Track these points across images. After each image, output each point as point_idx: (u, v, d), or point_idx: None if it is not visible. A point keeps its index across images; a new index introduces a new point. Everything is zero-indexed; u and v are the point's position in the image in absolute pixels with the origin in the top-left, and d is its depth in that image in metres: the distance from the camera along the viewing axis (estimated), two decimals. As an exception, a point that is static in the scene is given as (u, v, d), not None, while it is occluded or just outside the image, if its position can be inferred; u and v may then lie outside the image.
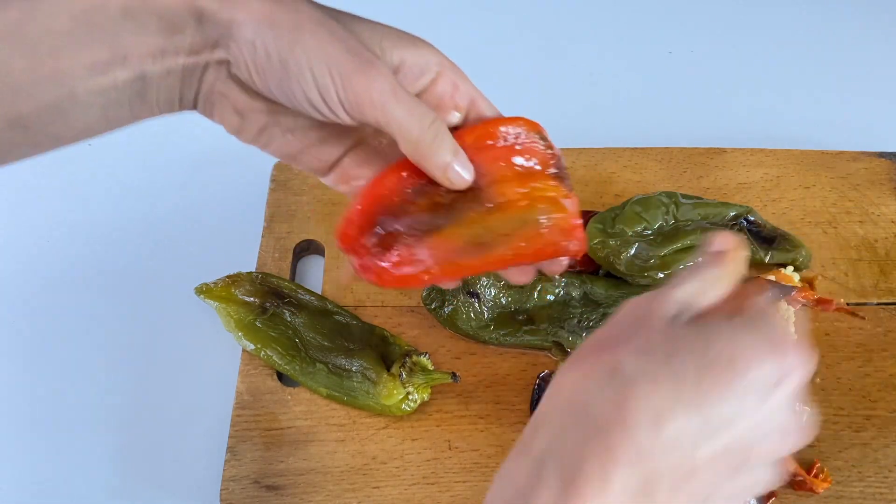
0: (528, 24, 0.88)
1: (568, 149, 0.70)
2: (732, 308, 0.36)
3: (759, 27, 0.87)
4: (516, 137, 0.44)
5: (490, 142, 0.43)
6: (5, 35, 0.35)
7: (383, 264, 0.42)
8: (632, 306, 0.36)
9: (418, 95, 0.41)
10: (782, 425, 0.34)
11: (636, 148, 0.70)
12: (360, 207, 0.43)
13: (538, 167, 0.44)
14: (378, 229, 0.43)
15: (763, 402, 0.33)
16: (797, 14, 0.88)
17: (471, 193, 0.42)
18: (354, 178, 0.44)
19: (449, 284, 0.46)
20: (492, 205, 0.42)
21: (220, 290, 0.60)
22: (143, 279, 0.66)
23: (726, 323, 0.34)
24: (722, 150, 0.70)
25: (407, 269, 0.42)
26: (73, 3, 0.36)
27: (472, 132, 0.43)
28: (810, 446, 0.54)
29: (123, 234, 0.69)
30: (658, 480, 0.31)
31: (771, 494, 0.52)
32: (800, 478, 0.52)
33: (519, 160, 0.43)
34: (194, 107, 0.41)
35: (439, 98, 0.42)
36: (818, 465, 0.53)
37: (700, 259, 0.37)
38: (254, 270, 0.62)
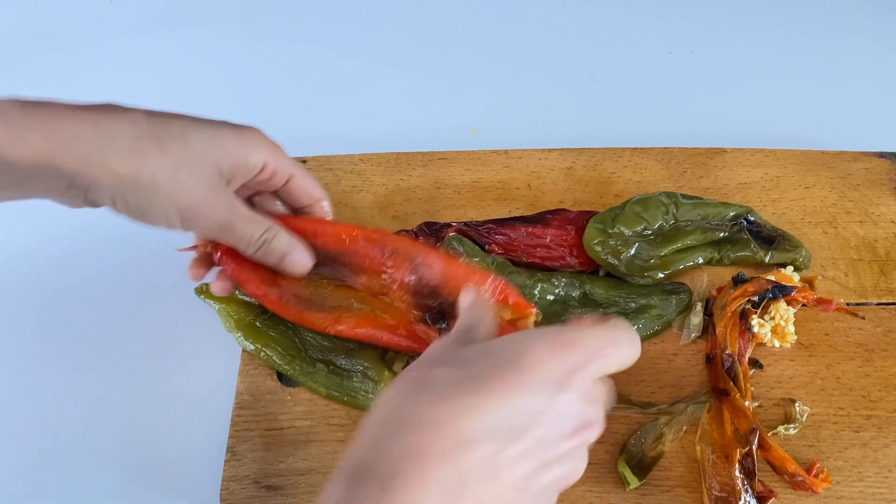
0: (528, 23, 0.88)
1: (568, 149, 0.70)
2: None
3: (759, 27, 0.87)
4: (390, 254, 0.56)
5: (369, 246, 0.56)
6: None
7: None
8: (435, 344, 0.43)
9: (248, 183, 0.53)
10: (580, 418, 0.38)
11: (636, 148, 0.70)
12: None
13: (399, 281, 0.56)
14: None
15: (554, 396, 0.37)
16: (797, 14, 0.88)
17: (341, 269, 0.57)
18: None
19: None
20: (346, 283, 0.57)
21: None
22: (143, 279, 0.66)
23: (517, 333, 0.40)
24: (722, 150, 0.70)
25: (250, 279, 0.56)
26: None
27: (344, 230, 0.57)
28: (810, 446, 0.54)
29: (123, 233, 0.68)
30: (470, 475, 0.34)
31: (771, 494, 0.52)
32: (800, 478, 0.52)
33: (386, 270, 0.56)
34: None
35: (259, 184, 0.53)
36: (818, 465, 0.53)
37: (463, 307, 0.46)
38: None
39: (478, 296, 0.46)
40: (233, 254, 0.58)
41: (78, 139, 0.42)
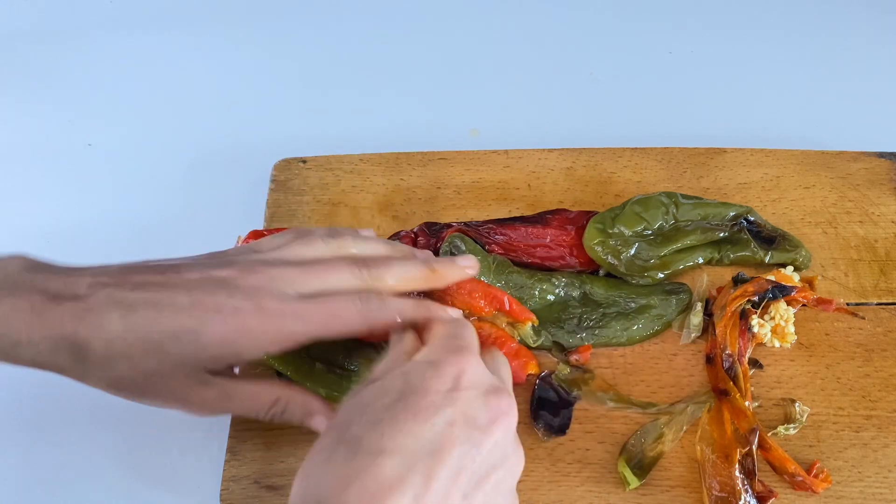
0: (528, 23, 0.88)
1: (568, 149, 0.70)
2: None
3: (759, 27, 0.87)
4: None
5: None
6: None
7: None
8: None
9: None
10: (490, 409, 0.39)
11: (636, 148, 0.70)
12: None
13: None
14: None
15: (454, 399, 0.38)
16: (797, 14, 0.88)
17: None
18: None
19: None
20: None
21: None
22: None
23: (400, 368, 0.41)
24: (722, 150, 0.70)
25: None
26: None
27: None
28: (810, 446, 0.54)
29: (123, 234, 0.68)
30: None
31: (771, 494, 0.52)
32: (800, 478, 0.52)
33: None
34: None
35: None
36: (818, 465, 0.53)
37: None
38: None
39: (399, 338, 0.47)
40: None
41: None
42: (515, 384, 0.56)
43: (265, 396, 0.47)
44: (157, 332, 0.43)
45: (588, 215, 0.64)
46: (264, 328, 0.44)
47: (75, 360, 0.44)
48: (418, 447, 0.36)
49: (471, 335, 0.44)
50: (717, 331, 0.58)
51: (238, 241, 0.62)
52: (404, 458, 0.35)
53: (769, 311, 0.59)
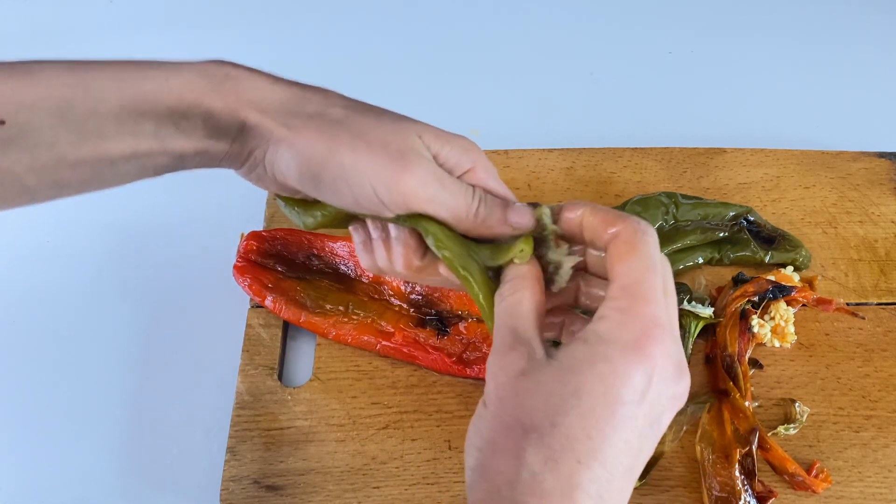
0: (529, 23, 0.88)
1: (568, 149, 0.70)
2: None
3: (759, 27, 0.87)
4: None
5: None
6: (53, 112, 0.37)
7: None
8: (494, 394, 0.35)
9: None
10: (669, 415, 0.34)
11: (636, 148, 0.70)
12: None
13: None
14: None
15: (641, 405, 0.33)
16: (797, 14, 0.88)
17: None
18: None
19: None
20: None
21: None
22: (143, 279, 0.66)
23: (580, 350, 0.34)
24: (722, 150, 0.70)
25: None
26: (123, 90, 0.38)
27: None
28: (810, 446, 0.54)
29: (123, 234, 0.69)
30: None
31: (771, 494, 0.52)
32: (800, 478, 0.52)
33: None
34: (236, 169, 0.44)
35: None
36: (818, 465, 0.53)
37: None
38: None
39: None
40: (245, 268, 0.60)
41: (267, 99, 0.42)
42: None
43: (467, 187, 0.41)
44: (370, 106, 0.44)
45: (588, 215, 0.64)
46: None
47: None
48: (616, 462, 0.33)
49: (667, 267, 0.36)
50: (717, 331, 0.58)
51: (241, 239, 0.62)
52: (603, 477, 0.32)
53: (769, 311, 0.59)
